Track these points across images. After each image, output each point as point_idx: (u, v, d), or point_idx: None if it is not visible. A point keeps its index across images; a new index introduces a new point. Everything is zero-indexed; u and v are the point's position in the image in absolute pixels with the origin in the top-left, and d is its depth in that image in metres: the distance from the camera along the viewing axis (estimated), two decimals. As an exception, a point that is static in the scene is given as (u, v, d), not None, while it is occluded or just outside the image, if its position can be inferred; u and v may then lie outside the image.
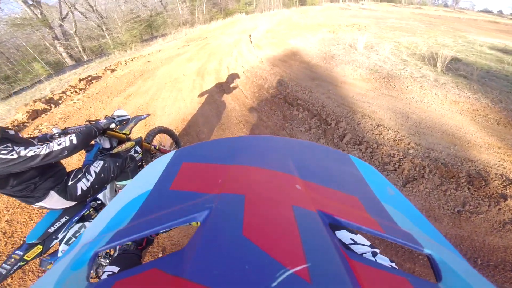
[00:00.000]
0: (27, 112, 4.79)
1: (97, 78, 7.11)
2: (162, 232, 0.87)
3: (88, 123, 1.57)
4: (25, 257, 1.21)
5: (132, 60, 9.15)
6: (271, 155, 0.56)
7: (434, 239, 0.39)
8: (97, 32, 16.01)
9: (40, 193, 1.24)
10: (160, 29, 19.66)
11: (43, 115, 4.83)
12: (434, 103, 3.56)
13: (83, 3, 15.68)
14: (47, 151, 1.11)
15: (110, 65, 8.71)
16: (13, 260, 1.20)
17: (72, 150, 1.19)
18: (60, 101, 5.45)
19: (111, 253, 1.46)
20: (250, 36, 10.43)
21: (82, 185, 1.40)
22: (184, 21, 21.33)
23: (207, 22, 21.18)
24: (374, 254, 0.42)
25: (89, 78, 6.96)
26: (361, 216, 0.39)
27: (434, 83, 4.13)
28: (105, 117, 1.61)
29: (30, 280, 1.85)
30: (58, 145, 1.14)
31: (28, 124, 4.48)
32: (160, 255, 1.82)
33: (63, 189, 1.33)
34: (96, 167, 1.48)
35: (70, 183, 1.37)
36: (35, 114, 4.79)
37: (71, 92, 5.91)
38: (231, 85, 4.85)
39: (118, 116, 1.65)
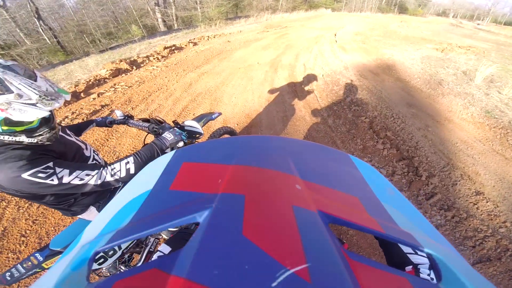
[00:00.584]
0: (111, 70, 5.26)
1: (180, 49, 7.46)
2: None
3: (151, 118, 1.35)
4: (43, 264, 1.04)
5: (214, 37, 9.37)
6: (271, 155, 0.55)
7: (434, 239, 0.39)
8: (191, 4, 17.15)
9: (79, 208, 1.07)
10: (245, 10, 19.97)
11: (123, 75, 5.23)
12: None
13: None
14: (98, 182, 0.87)
15: (194, 38, 9.11)
16: (30, 263, 1.04)
17: (128, 179, 0.93)
18: (142, 65, 5.85)
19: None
20: (335, 35, 9.50)
21: None
22: (268, 6, 21.14)
23: (289, 11, 20.57)
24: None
25: (173, 48, 7.35)
26: (361, 216, 0.38)
27: None
28: (174, 124, 1.34)
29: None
30: (112, 175, 0.90)
31: (107, 81, 4.90)
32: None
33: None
34: None
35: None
36: (116, 73, 5.22)
37: (154, 58, 6.30)
38: (306, 88, 4.33)
39: (189, 126, 1.35)
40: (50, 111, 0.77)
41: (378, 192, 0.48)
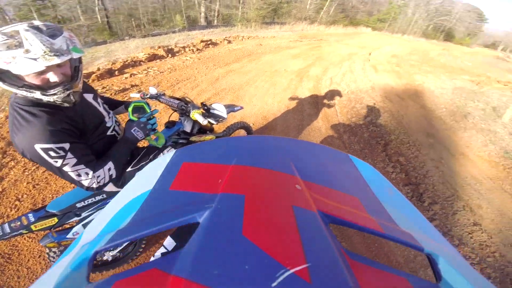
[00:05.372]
0: (148, 54, 5.66)
1: (215, 44, 7.80)
2: None
3: (181, 98, 1.50)
4: (32, 226, 1.00)
5: (248, 38, 9.65)
6: (271, 155, 0.55)
7: (434, 239, 0.39)
8: (234, 3, 17.70)
9: None
10: (282, 17, 20.13)
11: (158, 60, 5.60)
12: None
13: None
14: (92, 185, 0.87)
15: (229, 36, 9.45)
16: (19, 223, 0.99)
17: (110, 182, 0.94)
18: (177, 54, 6.21)
19: None
20: (370, 54, 9.37)
21: None
22: (307, 16, 21.18)
23: (327, 25, 20.45)
24: None
25: (209, 42, 7.70)
26: (361, 216, 0.38)
27: None
28: (202, 105, 1.43)
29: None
30: (98, 182, 0.90)
31: (142, 64, 5.26)
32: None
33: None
34: None
35: (129, 169, 1.11)
36: (152, 58, 5.61)
37: (189, 49, 6.66)
38: (327, 102, 4.38)
39: (215, 109, 1.42)
40: (67, 73, 0.78)
41: (378, 192, 0.49)
